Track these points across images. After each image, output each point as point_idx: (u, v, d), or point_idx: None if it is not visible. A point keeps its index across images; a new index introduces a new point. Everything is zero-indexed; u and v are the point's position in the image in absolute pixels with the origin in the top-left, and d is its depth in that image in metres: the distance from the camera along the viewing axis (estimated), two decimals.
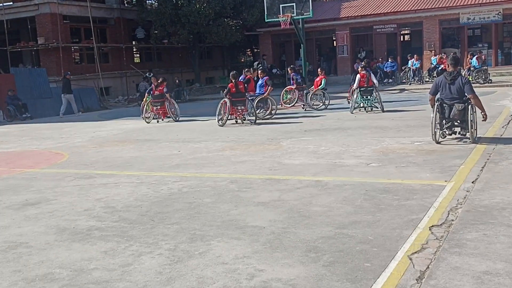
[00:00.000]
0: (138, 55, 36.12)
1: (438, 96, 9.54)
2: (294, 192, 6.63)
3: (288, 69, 20.33)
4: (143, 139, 12.80)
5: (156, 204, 6.46)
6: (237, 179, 7.53)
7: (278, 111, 16.69)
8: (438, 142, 9.42)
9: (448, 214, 5.39)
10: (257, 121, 14.82)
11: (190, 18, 28.41)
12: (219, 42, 31.31)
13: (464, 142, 9.56)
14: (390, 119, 13.83)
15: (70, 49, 28.76)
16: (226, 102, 14.88)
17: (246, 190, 6.86)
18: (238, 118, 15.21)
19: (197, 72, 32.45)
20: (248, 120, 15.09)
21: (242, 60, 47.28)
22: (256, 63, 32.70)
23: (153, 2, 29.65)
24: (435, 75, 26.92)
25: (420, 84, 26.60)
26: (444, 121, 9.44)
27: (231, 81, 15.11)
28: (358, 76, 16.08)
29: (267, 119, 15.69)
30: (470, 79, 24.40)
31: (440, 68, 26.37)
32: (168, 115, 17.23)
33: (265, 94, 15.92)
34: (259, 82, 16.58)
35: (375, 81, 16.21)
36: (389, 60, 28.74)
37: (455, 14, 29.78)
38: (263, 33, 34.24)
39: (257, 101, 15.79)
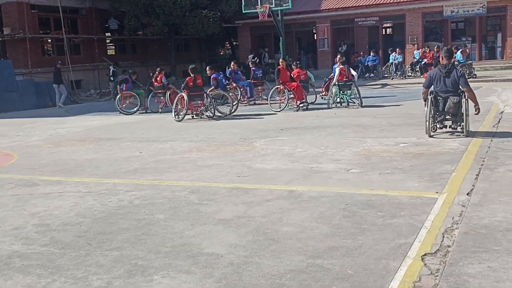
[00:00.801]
0: (112, 47, 34.82)
1: (431, 89, 9.40)
2: (262, 205, 5.69)
3: (249, 63, 19.38)
4: (105, 138, 11.75)
5: (99, 221, 5.47)
6: (199, 188, 6.57)
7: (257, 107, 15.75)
8: (431, 136, 9.32)
9: (443, 237, 4.50)
10: (230, 116, 13.95)
11: (165, 8, 27.23)
12: (195, 34, 30.18)
13: (457, 136, 9.34)
14: (372, 116, 12.95)
15: (38, 40, 27.40)
16: (183, 97, 14.01)
17: (207, 203, 5.90)
18: (195, 113, 14.61)
19: (173, 65, 31.30)
20: (206, 116, 14.50)
21: (222, 53, 46.16)
22: (250, 56, 31.53)
23: None
24: (418, 69, 26.30)
25: (402, 78, 25.84)
26: (436, 114, 9.34)
27: (190, 75, 14.28)
28: (338, 69, 15.29)
29: (227, 115, 14.83)
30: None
31: (423, 62, 25.66)
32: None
33: (208, 91, 14.97)
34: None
35: (354, 73, 15.66)
36: (371, 54, 27.91)
37: (438, 6, 29.04)
38: (241, 25, 33.22)
39: (214, 97, 15.07)
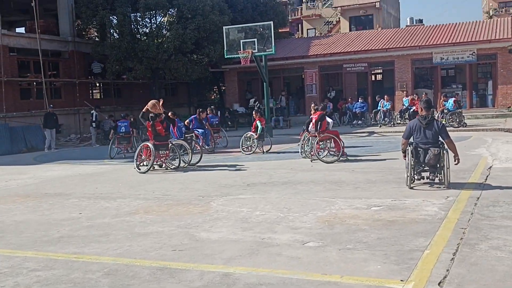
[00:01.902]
0: (97, 91, 34.07)
1: (411, 140, 9.32)
2: None
3: (208, 109, 18.53)
4: (53, 193, 10.64)
5: None
6: (119, 268, 5.44)
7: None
8: (411, 188, 9.14)
9: None
10: (201, 167, 12.92)
11: (147, 53, 26.54)
12: (179, 78, 29.43)
13: (437, 187, 9.17)
14: (350, 170, 11.92)
15: (15, 83, 26.53)
16: (147, 146, 13.01)
17: None
18: (158, 163, 13.68)
19: None
20: (171, 166, 13.65)
21: (213, 97, 45.53)
22: (252, 100, 30.71)
23: (111, 35, 27.58)
24: (407, 117, 25.43)
25: (391, 126, 24.97)
26: (416, 166, 9.21)
27: (148, 122, 13.30)
28: (313, 118, 14.44)
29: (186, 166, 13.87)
30: (443, 122, 22.97)
31: (412, 109, 24.78)
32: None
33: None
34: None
35: (330, 120, 14.98)
36: (359, 100, 27.15)
37: (427, 53, 28.52)
38: (228, 70, 32.58)
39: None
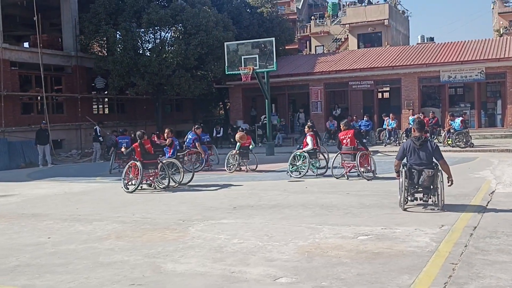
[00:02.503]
0: (100, 107, 33.79)
1: (405, 161, 9.21)
2: None
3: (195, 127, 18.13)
4: (29, 214, 10.17)
5: None
6: None
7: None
8: (405, 209, 9.01)
9: None
10: (187, 188, 12.41)
11: (149, 68, 26.21)
12: (182, 94, 29.06)
13: (431, 209, 8.96)
14: (344, 193, 11.35)
15: (16, 98, 26.26)
16: (135, 165, 12.53)
17: None
18: (147, 183, 13.27)
19: (160, 126, 29.97)
20: (160, 186, 13.20)
21: (219, 113, 45.13)
22: (263, 117, 29.89)
23: (114, 50, 27.28)
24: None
25: (396, 145, 24.30)
26: (410, 187, 9.06)
27: (137, 141, 12.87)
28: (309, 137, 14.58)
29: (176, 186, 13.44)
30: (450, 142, 22.33)
31: None
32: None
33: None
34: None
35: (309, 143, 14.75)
36: (364, 119, 26.55)
37: (435, 71, 27.92)
38: (233, 86, 32.15)
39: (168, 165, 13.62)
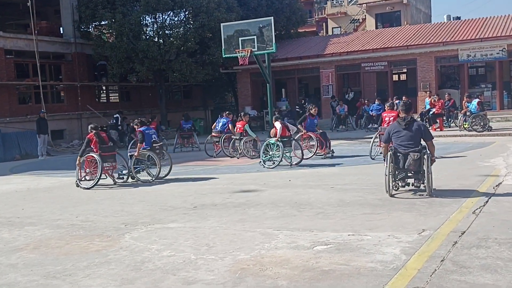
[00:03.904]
0: (104, 95, 32.76)
1: (391, 145, 8.82)
2: None
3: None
4: None
5: None
6: None
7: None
8: (392, 196, 8.56)
9: None
10: (158, 182, 11.19)
11: (148, 53, 24.99)
12: (183, 80, 27.77)
13: (420, 195, 8.53)
14: (328, 187, 9.97)
15: (12, 87, 25.38)
16: (93, 158, 11.35)
17: None
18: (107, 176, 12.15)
19: (164, 113, 28.85)
20: (118, 180, 12.16)
21: (231, 99, 43.78)
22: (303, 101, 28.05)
23: (111, 35, 26.19)
24: (426, 120, 23.20)
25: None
26: (397, 172, 8.63)
27: (91, 132, 11.67)
28: (279, 125, 13.75)
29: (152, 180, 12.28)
30: (466, 126, 20.61)
31: (432, 112, 22.57)
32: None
33: (136, 154, 12.31)
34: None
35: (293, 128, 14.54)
36: (376, 102, 24.90)
37: (453, 50, 26.05)
38: (240, 71, 30.74)
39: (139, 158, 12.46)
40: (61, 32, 29.17)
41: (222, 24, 21.02)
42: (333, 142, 17.17)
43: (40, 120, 22.12)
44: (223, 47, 20.65)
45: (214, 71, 29.68)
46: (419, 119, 23.92)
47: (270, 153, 13.71)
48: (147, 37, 25.38)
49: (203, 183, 11.43)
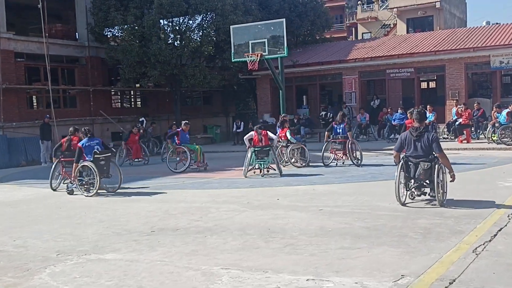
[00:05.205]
0: (118, 100, 31.99)
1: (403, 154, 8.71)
2: None
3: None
4: None
5: None
6: None
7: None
8: (403, 204, 8.51)
9: None
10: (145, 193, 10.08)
11: (159, 57, 24.04)
12: (196, 85, 26.68)
13: (433, 205, 8.39)
14: (316, 209, 8.63)
15: (22, 91, 24.76)
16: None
17: None
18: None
19: (178, 119, 27.76)
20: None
21: (254, 106, 42.57)
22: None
23: (123, 39, 25.37)
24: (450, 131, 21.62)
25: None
26: (412, 181, 8.60)
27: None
28: (252, 133, 14.07)
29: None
30: (495, 138, 18.89)
31: (458, 123, 20.89)
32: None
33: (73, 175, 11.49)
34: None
35: (273, 137, 14.21)
36: (399, 111, 23.28)
37: (484, 56, 24.24)
38: (260, 77, 29.54)
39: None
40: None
41: (232, 27, 19.93)
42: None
43: (43, 126, 21.42)
44: (232, 51, 19.51)
45: (233, 76, 28.61)
46: (445, 130, 22.42)
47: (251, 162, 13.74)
48: (160, 40, 24.34)
49: (180, 200, 10.24)
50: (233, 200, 9.94)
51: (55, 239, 7.34)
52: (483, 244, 6.08)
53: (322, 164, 14.81)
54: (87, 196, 11.18)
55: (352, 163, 14.66)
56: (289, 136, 15.22)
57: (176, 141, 15.43)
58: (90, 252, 6.54)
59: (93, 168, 11.02)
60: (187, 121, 15.85)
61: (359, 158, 14.76)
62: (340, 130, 14.90)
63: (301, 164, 15.08)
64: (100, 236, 7.44)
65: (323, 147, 15.13)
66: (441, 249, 5.94)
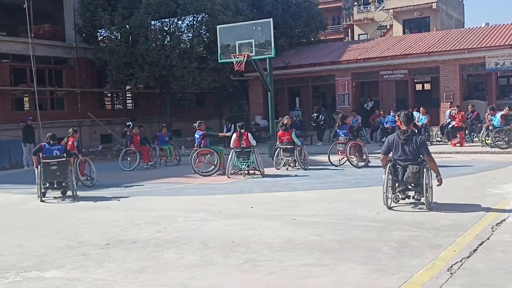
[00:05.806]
0: (108, 102, 31.39)
1: (391, 156, 8.56)
2: None
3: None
4: None
5: None
6: None
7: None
8: (390, 208, 8.36)
9: None
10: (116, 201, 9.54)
11: (147, 58, 23.47)
12: (185, 87, 26.10)
13: (419, 208, 8.26)
14: (290, 218, 8.07)
15: (8, 93, 24.20)
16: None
17: None
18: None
19: (169, 122, 27.24)
20: None
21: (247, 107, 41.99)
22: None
23: (109, 39, 24.83)
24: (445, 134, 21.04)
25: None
26: (397, 184, 8.46)
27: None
28: (234, 135, 14.07)
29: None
30: (489, 141, 18.35)
31: (451, 125, 20.31)
32: None
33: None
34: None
35: (253, 142, 14.05)
36: (391, 114, 22.69)
37: (479, 58, 23.66)
38: (252, 78, 28.98)
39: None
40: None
41: (218, 27, 19.33)
42: (333, 157, 15.39)
43: (26, 128, 20.88)
44: (219, 52, 18.94)
45: (225, 78, 28.06)
46: (439, 132, 21.85)
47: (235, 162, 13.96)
48: (147, 41, 23.78)
49: (150, 208, 9.67)
50: (204, 208, 9.38)
51: (1, 253, 6.78)
52: (460, 261, 5.52)
53: (317, 167, 15.14)
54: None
55: (351, 165, 14.93)
56: (295, 138, 15.02)
57: (202, 143, 15.01)
58: (32, 268, 5.98)
59: (37, 173, 11.02)
60: (164, 125, 15.39)
61: (365, 160, 15.36)
62: (342, 134, 15.54)
63: (304, 167, 14.89)
64: (49, 249, 6.88)
65: (329, 149, 15.81)
66: (413, 267, 5.38)
